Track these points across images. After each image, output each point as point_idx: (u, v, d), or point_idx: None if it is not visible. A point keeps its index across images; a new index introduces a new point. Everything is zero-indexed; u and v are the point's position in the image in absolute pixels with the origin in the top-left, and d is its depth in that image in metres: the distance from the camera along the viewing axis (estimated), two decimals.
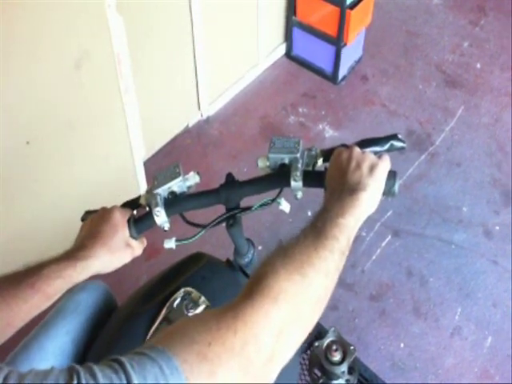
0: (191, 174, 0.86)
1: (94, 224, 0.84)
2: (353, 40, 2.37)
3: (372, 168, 0.73)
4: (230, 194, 0.83)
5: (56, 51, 1.46)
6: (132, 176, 1.92)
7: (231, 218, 0.86)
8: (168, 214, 0.84)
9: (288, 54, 2.57)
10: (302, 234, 0.66)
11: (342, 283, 1.83)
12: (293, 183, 0.77)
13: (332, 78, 2.47)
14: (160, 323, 0.90)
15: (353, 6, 2.24)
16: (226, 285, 0.98)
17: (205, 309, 0.90)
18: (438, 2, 2.90)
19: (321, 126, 2.32)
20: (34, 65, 1.42)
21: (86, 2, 1.45)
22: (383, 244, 1.95)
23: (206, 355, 0.50)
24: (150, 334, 0.89)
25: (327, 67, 2.46)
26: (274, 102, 2.41)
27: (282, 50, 2.57)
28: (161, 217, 0.83)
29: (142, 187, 2.00)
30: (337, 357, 1.25)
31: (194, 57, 2.08)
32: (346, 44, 2.34)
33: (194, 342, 0.51)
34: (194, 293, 0.92)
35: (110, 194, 1.84)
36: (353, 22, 2.25)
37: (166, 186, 0.83)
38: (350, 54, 2.47)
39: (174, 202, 0.84)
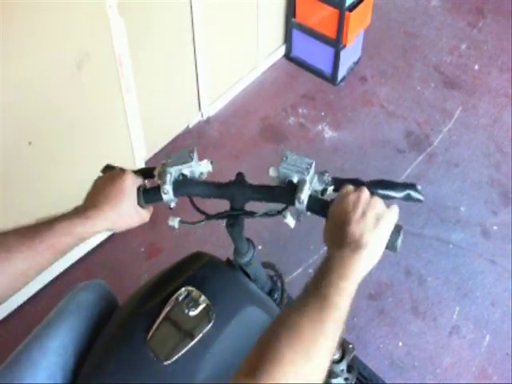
0: (205, 161, 0.87)
1: (106, 184, 0.85)
2: (352, 41, 2.38)
3: (378, 219, 0.71)
4: (236, 193, 0.84)
5: (57, 52, 1.47)
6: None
7: (232, 218, 0.86)
8: (175, 194, 0.85)
9: (287, 56, 2.58)
10: (308, 300, 0.66)
11: None
12: (296, 205, 0.77)
13: (331, 79, 2.48)
14: (160, 323, 0.91)
15: (352, 8, 2.25)
16: (227, 284, 0.99)
17: (205, 308, 0.91)
18: (436, 3, 2.91)
19: (320, 127, 2.34)
20: (35, 65, 1.43)
21: (87, 2, 1.46)
22: None
23: None
24: (150, 335, 0.89)
25: (326, 68, 2.48)
26: (274, 102, 2.42)
27: (281, 51, 2.58)
28: (168, 195, 0.85)
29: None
30: (336, 355, 1.26)
31: (195, 58, 2.09)
32: (345, 45, 2.35)
33: None
34: (195, 292, 0.93)
35: None
36: (352, 23, 2.26)
37: (177, 167, 0.85)
38: (349, 56, 2.48)
39: (182, 184, 0.85)
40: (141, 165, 1.95)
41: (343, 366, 1.28)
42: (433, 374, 1.67)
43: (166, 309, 0.92)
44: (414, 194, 0.81)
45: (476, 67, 2.60)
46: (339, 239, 0.70)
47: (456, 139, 2.30)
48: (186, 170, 0.85)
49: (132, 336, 0.91)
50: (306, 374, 0.60)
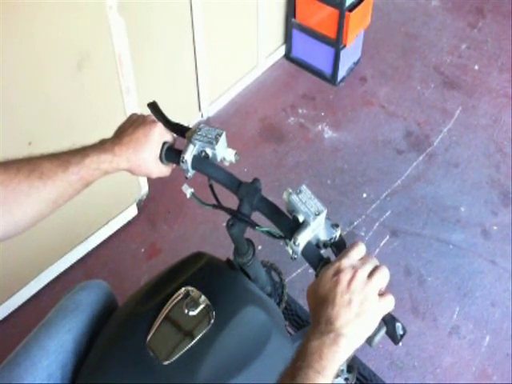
0: (230, 150, 0.87)
1: (137, 126, 0.85)
2: (352, 42, 2.38)
3: (364, 312, 0.66)
4: (246, 197, 0.83)
5: (57, 52, 1.47)
6: (133, 176, 1.93)
7: (235, 219, 0.86)
8: (192, 167, 0.85)
9: (287, 56, 2.58)
10: None
11: None
12: (292, 245, 0.74)
13: (331, 79, 2.48)
14: (160, 323, 0.91)
15: (352, 8, 2.26)
16: (227, 284, 0.99)
17: (205, 308, 0.91)
18: (436, 4, 2.91)
19: (320, 127, 2.34)
20: (35, 66, 1.43)
21: (87, 3, 1.46)
22: (382, 244, 1.96)
23: None
24: (150, 334, 0.90)
25: (326, 69, 2.48)
26: (274, 103, 2.42)
27: (281, 51, 2.58)
28: (185, 164, 0.85)
29: (144, 187, 2.01)
30: None
31: (195, 58, 2.10)
32: (345, 46, 2.35)
33: None
34: (195, 292, 0.93)
35: (112, 195, 1.86)
36: (352, 24, 2.27)
37: (201, 144, 0.85)
38: (349, 56, 2.48)
39: (201, 161, 0.85)
40: None
41: (343, 366, 1.28)
42: (433, 374, 1.67)
43: (166, 309, 0.92)
44: (397, 332, 0.70)
45: (476, 67, 2.60)
46: (319, 318, 0.66)
47: (456, 139, 2.31)
48: (209, 150, 0.85)
49: (132, 336, 0.92)
50: None
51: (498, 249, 1.96)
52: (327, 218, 0.76)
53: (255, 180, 0.85)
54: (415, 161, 2.22)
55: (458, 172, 2.19)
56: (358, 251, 0.71)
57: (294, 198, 0.76)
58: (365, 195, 2.10)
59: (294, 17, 2.42)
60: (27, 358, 0.91)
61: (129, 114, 1.91)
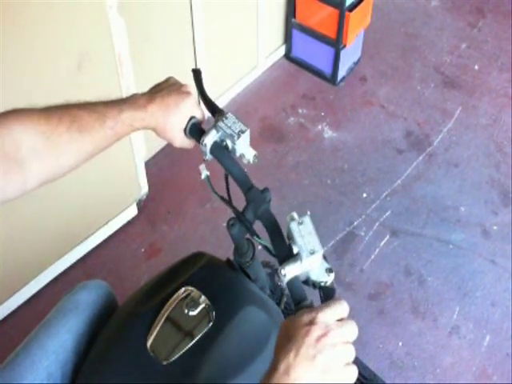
0: (251, 150, 0.85)
1: (172, 90, 0.86)
2: (352, 42, 2.38)
3: (325, 374, 0.61)
4: (252, 201, 0.82)
5: (57, 52, 1.47)
6: (133, 176, 1.93)
7: (236, 220, 0.86)
8: (211, 152, 0.84)
9: (287, 56, 2.58)
10: None
11: (341, 282, 1.84)
12: (281, 271, 0.70)
13: (331, 79, 2.48)
14: (161, 323, 0.91)
15: (352, 8, 2.26)
16: (227, 284, 0.99)
17: (205, 308, 0.91)
18: (436, 3, 2.91)
19: (320, 127, 2.34)
20: (34, 66, 1.43)
21: (87, 3, 1.46)
22: (382, 244, 1.96)
23: None
24: (150, 334, 0.90)
25: (326, 69, 2.48)
26: (274, 103, 2.42)
27: (281, 51, 2.58)
28: (204, 147, 0.84)
29: (144, 187, 2.01)
30: None
31: (195, 58, 2.10)
32: (345, 46, 2.35)
33: None
34: (195, 292, 0.93)
35: (112, 194, 1.86)
36: (352, 23, 2.26)
37: (223, 133, 0.84)
38: (349, 56, 2.48)
39: (220, 150, 0.84)
40: (141, 165, 1.95)
41: None
42: (433, 374, 1.67)
43: (166, 309, 0.92)
44: None
45: (476, 67, 2.60)
46: (278, 367, 0.62)
47: (456, 139, 2.31)
48: (229, 142, 0.84)
49: (132, 336, 0.92)
50: None
51: (498, 249, 1.96)
52: (324, 259, 0.72)
53: (265, 189, 0.83)
54: (415, 161, 2.22)
55: (457, 172, 2.19)
56: (340, 311, 0.65)
57: (294, 227, 0.72)
58: (365, 195, 2.10)
59: (294, 17, 2.42)
60: (27, 358, 0.91)
61: None
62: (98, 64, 1.58)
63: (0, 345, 1.59)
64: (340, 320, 0.65)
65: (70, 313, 0.97)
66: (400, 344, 1.73)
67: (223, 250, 1.07)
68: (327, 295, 0.70)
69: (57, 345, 0.93)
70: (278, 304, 1.15)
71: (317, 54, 2.46)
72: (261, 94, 2.45)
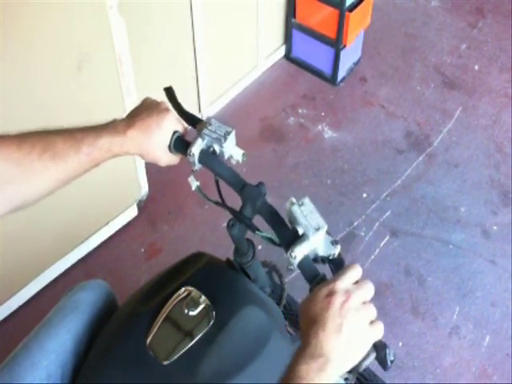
0: (239, 149, 0.86)
1: (150, 111, 0.86)
2: (352, 42, 2.38)
3: (354, 338, 0.64)
4: (249, 198, 0.82)
5: (57, 53, 1.47)
6: (133, 177, 1.94)
7: (235, 219, 0.86)
8: (199, 161, 0.84)
9: (287, 56, 2.59)
10: None
11: None
12: (289, 256, 0.73)
13: (331, 79, 2.48)
14: (161, 323, 0.91)
15: (352, 9, 2.26)
16: (227, 284, 0.99)
17: (205, 308, 0.91)
18: (436, 4, 2.91)
19: (320, 127, 2.34)
20: (35, 66, 1.43)
21: (87, 3, 1.46)
22: (382, 244, 1.96)
23: None
24: (150, 334, 0.90)
25: (326, 69, 2.48)
26: (274, 103, 2.42)
27: (281, 51, 2.59)
28: (192, 158, 0.84)
29: (144, 188, 2.01)
30: None
31: (195, 58, 2.10)
32: (345, 46, 2.35)
33: None
34: (195, 292, 0.93)
35: (112, 195, 1.86)
36: (352, 24, 2.27)
37: (210, 139, 0.84)
38: (349, 56, 2.48)
39: (209, 157, 0.84)
40: (141, 166, 1.95)
41: None
42: (433, 374, 1.67)
43: (166, 309, 0.92)
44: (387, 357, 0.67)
45: (476, 67, 2.60)
46: (309, 340, 0.65)
47: (456, 139, 2.31)
48: (217, 147, 0.84)
49: (132, 336, 0.92)
50: None
51: (498, 249, 1.96)
52: (328, 233, 0.74)
53: (260, 184, 0.84)
54: (415, 161, 2.22)
55: (458, 172, 2.19)
56: (355, 274, 0.69)
57: (296, 209, 0.74)
58: (365, 195, 2.11)
59: (294, 17, 2.42)
60: (27, 358, 0.90)
61: None
62: (98, 64, 1.58)
63: (0, 345, 1.59)
64: (355, 283, 0.68)
65: (69, 313, 0.97)
66: (400, 344, 1.73)
67: (223, 249, 1.07)
68: (338, 266, 0.73)
69: (56, 345, 0.93)
70: (278, 304, 1.14)
71: (317, 54, 2.46)
72: (261, 94, 2.45)
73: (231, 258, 1.00)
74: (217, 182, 0.88)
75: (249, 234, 0.95)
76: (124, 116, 0.88)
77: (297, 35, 2.48)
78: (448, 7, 2.89)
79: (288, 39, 2.52)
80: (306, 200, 0.75)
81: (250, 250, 0.97)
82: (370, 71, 2.57)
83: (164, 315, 0.91)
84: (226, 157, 0.86)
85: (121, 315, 0.99)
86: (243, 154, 0.86)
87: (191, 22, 1.98)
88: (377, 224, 2.01)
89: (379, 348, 0.67)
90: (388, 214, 2.05)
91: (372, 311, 0.67)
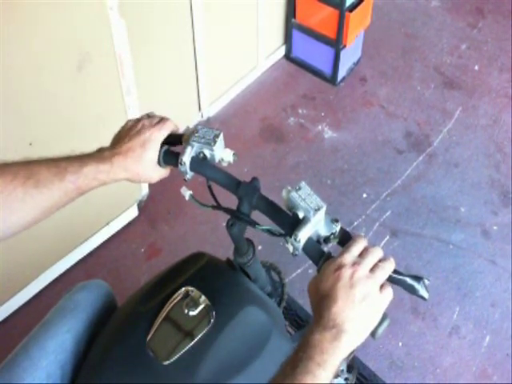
0: (228, 150, 0.86)
1: (132, 136, 0.85)
2: (352, 42, 2.38)
3: (367, 306, 0.66)
4: (245, 196, 0.83)
5: (58, 53, 1.47)
6: None
7: (234, 219, 0.86)
8: (191, 169, 0.85)
9: (287, 56, 2.59)
10: (284, 382, 0.64)
11: None
12: (293, 241, 0.74)
13: (331, 79, 2.48)
14: (160, 323, 0.91)
15: (352, 9, 2.26)
16: (227, 284, 0.99)
17: (205, 308, 0.91)
18: (436, 4, 2.91)
19: (320, 127, 2.34)
20: (36, 67, 1.43)
21: (87, 3, 1.46)
22: (382, 244, 1.96)
23: None
24: (150, 334, 0.90)
25: (326, 69, 2.48)
26: (274, 103, 2.42)
27: (281, 51, 2.59)
28: (184, 167, 0.84)
29: (144, 188, 2.01)
30: None
31: (195, 58, 2.10)
32: (345, 46, 2.35)
33: None
34: (195, 292, 0.93)
35: (112, 196, 1.86)
36: (352, 24, 2.27)
37: (199, 145, 0.84)
38: (349, 56, 2.48)
39: (200, 163, 0.85)
40: None
41: (343, 366, 1.28)
42: (433, 374, 1.67)
43: (166, 309, 0.92)
44: (419, 288, 0.72)
45: (476, 67, 2.60)
46: (321, 314, 0.67)
47: (456, 139, 2.31)
48: (207, 151, 0.85)
49: (132, 336, 0.92)
50: None
51: (498, 249, 1.96)
52: (326, 213, 0.76)
53: (254, 179, 0.84)
54: (415, 161, 2.22)
55: (458, 172, 2.19)
56: (360, 245, 0.71)
57: (294, 194, 0.76)
58: (365, 195, 2.11)
59: (294, 17, 2.42)
60: (26, 358, 0.90)
61: (129, 114, 1.92)
62: (99, 64, 1.58)
63: (0, 345, 1.59)
64: (363, 253, 0.70)
65: (69, 313, 0.97)
66: (400, 344, 1.73)
67: (223, 249, 1.07)
68: (343, 241, 0.74)
69: (56, 345, 0.93)
70: (278, 304, 1.14)
71: (317, 54, 2.46)
72: (261, 94, 2.45)
73: (231, 257, 1.00)
74: (209, 187, 0.88)
75: (249, 234, 0.95)
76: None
77: (297, 35, 2.48)
78: (448, 7, 2.89)
79: (288, 39, 2.52)
80: (303, 184, 0.77)
81: (249, 250, 0.97)
82: (370, 71, 2.57)
83: (164, 315, 0.91)
84: (217, 160, 0.86)
85: (121, 315, 0.99)
86: (234, 154, 0.86)
87: (191, 22, 1.98)
88: (377, 224, 2.01)
89: (384, 317, 0.68)
90: (388, 214, 2.05)
91: (381, 276, 0.69)
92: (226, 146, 0.88)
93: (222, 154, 0.86)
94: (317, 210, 0.74)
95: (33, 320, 0.99)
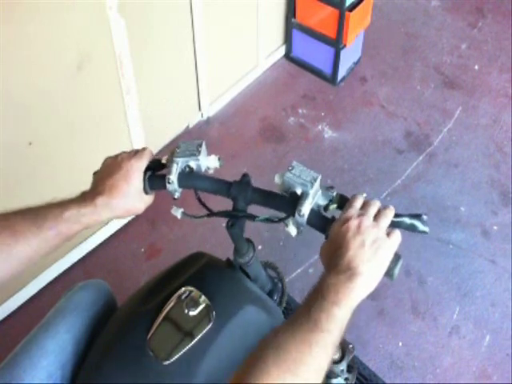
0: (213, 156, 0.87)
1: (112, 173, 0.83)
2: (352, 42, 2.38)
3: (377, 249, 0.69)
4: (239, 194, 0.83)
5: (58, 53, 1.47)
6: None
7: (233, 218, 0.86)
8: (180, 185, 0.85)
9: (287, 56, 2.59)
10: (297, 321, 0.65)
11: None
12: (297, 217, 0.76)
13: (331, 79, 2.48)
14: (160, 323, 0.91)
15: (352, 8, 2.26)
16: (226, 284, 0.99)
17: (205, 308, 0.91)
18: (436, 3, 2.91)
19: (320, 127, 2.34)
20: (36, 67, 1.43)
21: (87, 3, 1.46)
22: None
23: None
24: (150, 334, 0.90)
25: (326, 69, 2.48)
26: (274, 103, 2.42)
27: (281, 51, 2.59)
28: (172, 185, 0.84)
29: None
30: (336, 355, 1.26)
31: (195, 58, 2.10)
32: (345, 46, 2.35)
33: None
34: (195, 292, 0.93)
35: None
36: (352, 23, 2.27)
37: (184, 159, 0.84)
38: (349, 56, 2.48)
39: (188, 176, 0.85)
40: None
41: (343, 366, 1.28)
42: (433, 374, 1.67)
43: (166, 309, 0.92)
44: (419, 225, 0.78)
45: (476, 67, 2.60)
46: (335, 264, 0.69)
47: (456, 139, 2.31)
48: (193, 162, 0.85)
49: (132, 336, 0.92)
50: None
51: (497, 249, 1.96)
52: (321, 183, 0.79)
53: (244, 175, 0.85)
54: (415, 161, 2.22)
55: (458, 172, 2.19)
56: (359, 201, 0.76)
57: (288, 175, 0.79)
58: (365, 195, 2.10)
59: (294, 17, 2.42)
60: (26, 358, 0.90)
61: (129, 113, 1.92)
62: (98, 64, 1.58)
63: (0, 345, 1.59)
64: (363, 206, 0.75)
65: (69, 313, 0.97)
66: (400, 344, 1.73)
67: (223, 249, 1.07)
68: (342, 204, 0.77)
69: (56, 345, 0.93)
70: (278, 304, 1.14)
71: (317, 54, 2.46)
72: (261, 94, 2.45)
73: (231, 257, 1.00)
74: (199, 198, 0.88)
75: (249, 234, 0.95)
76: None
77: (297, 35, 2.48)
78: (448, 7, 2.89)
79: (288, 39, 2.52)
80: (294, 163, 0.80)
81: (249, 250, 0.97)
82: (370, 71, 2.56)
83: (164, 315, 0.91)
84: (203, 169, 0.87)
85: (121, 315, 0.99)
86: (219, 159, 0.87)
87: (191, 22, 1.98)
88: None
89: (397, 258, 0.72)
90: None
91: (384, 222, 0.73)
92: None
93: (207, 161, 0.87)
94: (314, 181, 0.77)
95: (32, 320, 0.99)
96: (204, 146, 0.86)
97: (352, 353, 1.27)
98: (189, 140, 0.87)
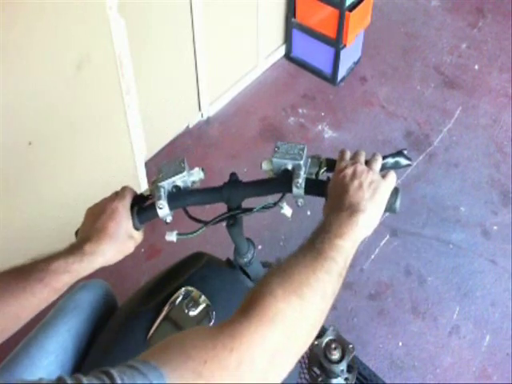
0: (196, 169, 0.87)
1: (98, 218, 0.83)
2: (352, 42, 2.38)
3: (374, 189, 0.73)
4: (232, 194, 0.84)
5: (58, 53, 1.47)
6: (133, 176, 1.94)
7: (232, 218, 0.86)
8: (171, 208, 0.83)
9: (287, 56, 2.58)
10: (301, 253, 0.66)
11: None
12: (294, 190, 0.78)
13: (331, 79, 2.48)
14: (160, 323, 0.91)
15: (352, 8, 2.26)
16: (226, 284, 0.99)
17: (205, 308, 0.91)
18: (436, 3, 2.91)
19: (320, 127, 2.34)
20: (35, 66, 1.43)
21: (87, 3, 1.46)
22: (382, 243, 1.96)
23: (201, 373, 0.51)
24: (150, 334, 0.90)
25: (326, 68, 2.48)
26: (274, 103, 2.42)
27: (281, 51, 2.58)
28: (164, 209, 0.83)
29: (144, 187, 2.01)
30: (336, 355, 1.26)
31: (195, 58, 2.10)
32: (345, 45, 2.35)
33: (189, 358, 0.52)
34: (195, 292, 0.93)
35: None
36: (352, 23, 2.27)
37: (170, 180, 0.84)
38: (349, 56, 2.48)
39: (177, 196, 0.84)
40: (141, 165, 1.95)
41: (343, 366, 1.28)
42: (433, 374, 1.67)
43: (166, 309, 0.92)
44: (402, 160, 0.83)
45: (476, 67, 2.60)
46: (337, 206, 0.72)
47: (456, 139, 2.31)
48: (179, 181, 0.84)
49: (132, 335, 0.92)
50: (300, 311, 0.60)
51: (497, 249, 1.96)
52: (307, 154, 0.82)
53: (231, 174, 0.86)
54: (415, 160, 2.22)
55: (458, 172, 2.19)
56: (347, 154, 0.81)
57: (277, 156, 0.83)
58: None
59: (294, 17, 2.42)
60: (27, 358, 0.91)
61: (129, 113, 1.92)
62: (98, 64, 1.58)
63: (0, 345, 1.59)
64: (353, 158, 0.80)
65: (69, 312, 0.97)
66: (400, 344, 1.73)
67: (223, 249, 1.07)
68: (331, 165, 0.81)
69: (56, 344, 0.93)
70: None
71: (317, 54, 2.46)
72: (261, 94, 2.45)
73: (231, 257, 1.00)
74: (186, 212, 0.87)
75: (249, 234, 0.95)
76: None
77: (297, 35, 2.48)
78: (448, 7, 2.89)
79: (288, 39, 2.52)
80: (278, 143, 0.85)
81: (249, 250, 0.97)
82: (370, 71, 2.56)
83: (164, 315, 0.91)
84: (190, 184, 0.86)
85: (121, 315, 0.99)
86: (202, 170, 0.87)
87: (191, 22, 1.98)
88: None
89: (396, 191, 0.76)
90: (388, 213, 2.05)
91: (377, 165, 0.78)
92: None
93: (192, 176, 0.86)
94: (301, 152, 0.81)
95: (33, 319, 0.99)
96: (186, 161, 0.85)
97: (352, 353, 1.27)
98: (166, 160, 0.87)
